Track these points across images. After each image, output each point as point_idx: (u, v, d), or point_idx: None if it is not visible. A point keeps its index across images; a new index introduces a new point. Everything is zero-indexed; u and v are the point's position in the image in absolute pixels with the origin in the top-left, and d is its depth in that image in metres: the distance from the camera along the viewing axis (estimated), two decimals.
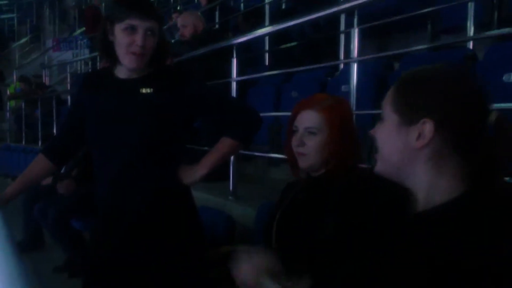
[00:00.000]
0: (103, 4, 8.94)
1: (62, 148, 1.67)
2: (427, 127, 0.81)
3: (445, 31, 3.19)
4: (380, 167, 0.91)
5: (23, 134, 7.14)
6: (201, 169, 1.53)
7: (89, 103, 1.56)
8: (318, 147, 1.27)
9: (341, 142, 1.27)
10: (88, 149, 1.61)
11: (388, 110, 0.87)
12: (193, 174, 1.53)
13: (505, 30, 2.09)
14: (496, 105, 1.65)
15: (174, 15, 3.80)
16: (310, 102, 1.31)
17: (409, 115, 0.84)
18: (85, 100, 1.59)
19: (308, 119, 1.28)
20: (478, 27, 2.78)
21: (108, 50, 1.49)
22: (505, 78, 2.12)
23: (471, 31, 2.79)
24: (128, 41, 1.43)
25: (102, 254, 1.58)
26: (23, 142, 7.02)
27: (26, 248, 3.38)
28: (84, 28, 9.46)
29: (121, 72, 1.53)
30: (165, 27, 4.56)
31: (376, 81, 2.75)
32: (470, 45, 2.73)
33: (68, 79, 8.09)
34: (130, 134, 1.47)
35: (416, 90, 0.84)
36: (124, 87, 1.51)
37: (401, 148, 0.85)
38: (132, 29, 1.42)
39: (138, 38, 1.42)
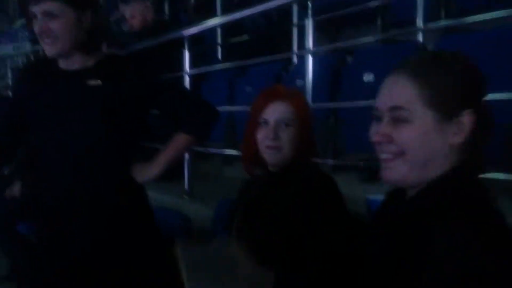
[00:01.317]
0: None
1: (2, 146, 1.54)
2: (467, 118, 0.71)
3: (395, 24, 3.25)
4: (404, 172, 0.75)
5: None
6: (156, 166, 1.46)
7: (31, 96, 1.44)
8: (292, 139, 1.23)
9: (308, 135, 1.26)
10: (25, 148, 1.49)
11: (416, 107, 0.73)
12: (147, 172, 1.47)
13: (452, 21, 2.15)
14: None
15: (121, 6, 3.64)
16: (278, 93, 1.26)
17: (449, 108, 0.72)
18: (25, 93, 1.46)
19: (281, 110, 1.24)
20: (427, 20, 2.85)
21: None
22: None
23: (420, 23, 2.85)
24: (36, 30, 1.33)
25: (50, 258, 1.49)
26: None
27: None
28: (24, 20, 8.98)
29: (64, 63, 1.42)
30: (112, 18, 4.40)
31: (330, 74, 2.76)
32: (420, 37, 2.79)
33: (9, 74, 7.65)
34: (78, 130, 1.38)
35: (448, 78, 0.72)
36: (70, 79, 1.41)
37: (439, 148, 0.73)
38: (34, 16, 1.33)
39: (37, 23, 1.33)
